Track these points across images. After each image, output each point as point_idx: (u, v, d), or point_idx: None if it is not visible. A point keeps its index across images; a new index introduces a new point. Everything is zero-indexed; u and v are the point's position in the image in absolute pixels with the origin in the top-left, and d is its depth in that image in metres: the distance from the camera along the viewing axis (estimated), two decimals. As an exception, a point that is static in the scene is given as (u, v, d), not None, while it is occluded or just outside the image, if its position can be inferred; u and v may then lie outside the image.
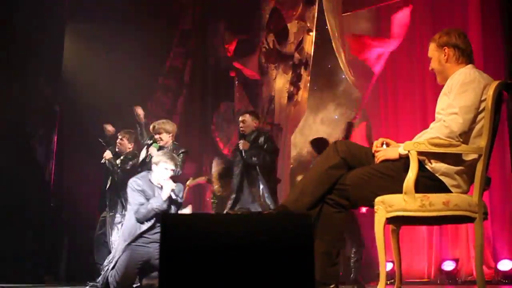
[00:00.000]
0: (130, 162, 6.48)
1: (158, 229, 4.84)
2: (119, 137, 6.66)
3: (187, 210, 5.34)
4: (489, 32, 6.63)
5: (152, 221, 4.94)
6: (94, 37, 8.63)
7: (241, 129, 6.14)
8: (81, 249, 7.59)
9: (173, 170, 5.10)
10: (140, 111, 6.44)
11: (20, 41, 7.61)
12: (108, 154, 6.54)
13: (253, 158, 5.92)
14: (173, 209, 5.05)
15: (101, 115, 7.99)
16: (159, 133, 5.96)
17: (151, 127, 6.10)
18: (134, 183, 5.06)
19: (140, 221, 4.93)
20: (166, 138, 5.98)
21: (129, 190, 5.08)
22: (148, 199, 4.96)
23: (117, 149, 6.64)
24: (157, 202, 4.91)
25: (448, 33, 3.05)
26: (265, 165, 5.98)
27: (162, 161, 5.07)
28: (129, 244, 4.89)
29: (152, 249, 4.89)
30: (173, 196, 5.02)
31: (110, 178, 6.57)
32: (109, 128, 7.10)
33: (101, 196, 6.76)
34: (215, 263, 1.98)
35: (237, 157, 6.09)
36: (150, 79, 9.57)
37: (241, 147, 5.96)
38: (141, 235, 4.91)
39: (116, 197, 6.44)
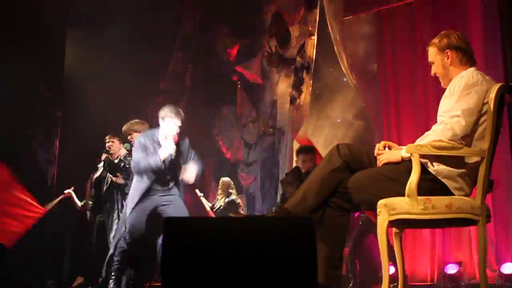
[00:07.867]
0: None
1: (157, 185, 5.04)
2: (108, 140, 6.42)
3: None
4: (490, 35, 6.61)
5: (147, 179, 5.00)
6: (95, 42, 8.63)
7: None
8: (83, 254, 7.57)
9: (179, 127, 5.08)
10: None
11: (20, 45, 7.61)
12: (106, 158, 6.37)
13: None
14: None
15: (102, 120, 7.97)
16: (130, 134, 6.02)
17: (123, 129, 6.11)
18: (137, 141, 5.13)
19: (137, 173, 5.05)
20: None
21: (133, 149, 5.16)
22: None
23: (110, 151, 6.40)
24: (154, 160, 4.93)
25: (448, 35, 3.03)
26: None
27: (167, 116, 5.05)
28: (134, 207, 4.97)
29: (156, 196, 5.01)
30: (170, 157, 5.01)
31: (107, 181, 6.46)
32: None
33: (97, 200, 6.70)
34: (217, 266, 1.98)
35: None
36: (152, 83, 9.57)
37: None
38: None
39: (113, 200, 6.35)
